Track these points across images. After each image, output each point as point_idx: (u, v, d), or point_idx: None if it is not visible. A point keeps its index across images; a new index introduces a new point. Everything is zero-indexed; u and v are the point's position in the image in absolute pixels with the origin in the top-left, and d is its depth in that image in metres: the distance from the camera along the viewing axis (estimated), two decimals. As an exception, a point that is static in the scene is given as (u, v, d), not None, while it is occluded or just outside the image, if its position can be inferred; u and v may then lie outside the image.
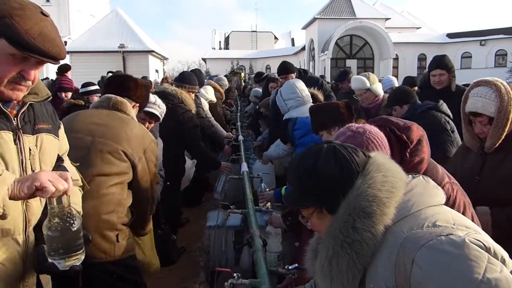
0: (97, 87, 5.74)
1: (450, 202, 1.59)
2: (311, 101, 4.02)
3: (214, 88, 6.64)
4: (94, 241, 2.02)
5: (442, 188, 1.59)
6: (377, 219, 1.07)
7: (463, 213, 1.61)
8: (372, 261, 1.08)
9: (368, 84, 4.18)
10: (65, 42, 38.06)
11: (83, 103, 4.37)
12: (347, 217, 1.09)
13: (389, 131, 1.62)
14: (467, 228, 1.05)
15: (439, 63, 3.85)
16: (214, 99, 6.01)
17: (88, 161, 2.10)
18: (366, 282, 1.10)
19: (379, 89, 4.26)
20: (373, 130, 1.56)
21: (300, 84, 3.83)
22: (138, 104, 2.47)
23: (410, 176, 1.21)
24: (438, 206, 1.14)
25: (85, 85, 5.53)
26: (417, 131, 1.67)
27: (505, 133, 1.98)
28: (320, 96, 4.47)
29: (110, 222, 2.09)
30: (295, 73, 5.09)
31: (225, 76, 11.95)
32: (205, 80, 7.58)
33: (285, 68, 5.11)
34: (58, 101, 5.29)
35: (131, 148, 2.17)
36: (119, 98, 2.31)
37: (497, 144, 2.00)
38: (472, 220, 1.64)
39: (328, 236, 1.13)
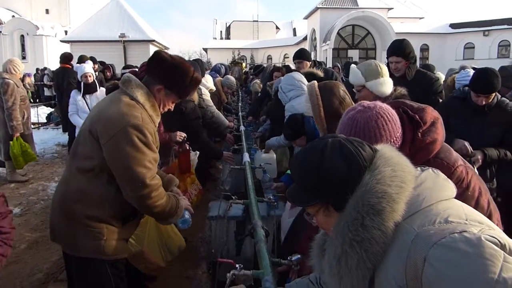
0: (136, 69, 6.02)
1: (464, 186, 1.57)
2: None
3: (217, 90, 6.39)
4: (62, 230, 2.02)
5: (455, 170, 1.57)
6: (387, 216, 1.03)
7: (478, 198, 1.58)
8: (382, 259, 1.04)
9: (362, 80, 2.83)
10: (66, 32, 37.96)
11: None
12: (356, 215, 1.04)
13: (402, 111, 1.61)
14: (480, 223, 1.01)
15: (395, 49, 3.62)
16: (214, 88, 5.97)
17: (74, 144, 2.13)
18: (375, 280, 1.07)
19: (379, 87, 2.80)
20: (384, 106, 1.53)
21: (298, 76, 3.86)
22: (161, 86, 2.09)
23: (419, 169, 1.16)
24: (449, 200, 1.10)
25: (126, 67, 6.41)
26: (432, 113, 1.65)
27: None
28: (320, 74, 4.47)
29: (73, 212, 1.96)
30: (310, 63, 5.08)
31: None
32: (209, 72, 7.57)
33: (301, 54, 5.10)
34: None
35: (98, 128, 1.95)
36: (125, 76, 2.12)
37: None
38: (488, 206, 1.60)
39: (336, 234, 1.08)
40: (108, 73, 9.45)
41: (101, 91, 6.23)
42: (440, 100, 3.74)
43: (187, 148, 3.33)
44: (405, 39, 3.72)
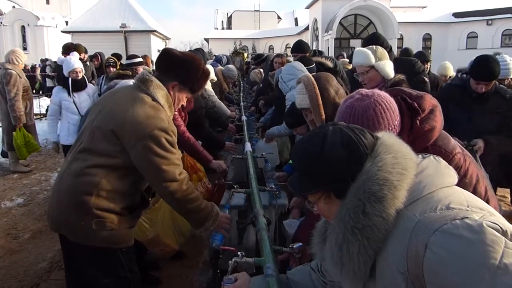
0: (140, 59, 6.18)
1: (462, 173, 1.58)
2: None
3: (218, 80, 6.32)
4: (68, 220, 1.99)
5: (453, 157, 1.58)
6: (388, 203, 1.03)
7: (475, 186, 1.59)
8: (384, 246, 1.05)
9: (373, 60, 3.04)
10: (66, 22, 37.81)
11: (131, 73, 4.52)
12: (357, 202, 1.04)
13: (400, 99, 1.60)
14: (481, 210, 1.01)
15: (368, 42, 3.65)
16: (215, 78, 5.95)
17: (81, 136, 2.08)
18: (377, 267, 1.07)
19: (387, 68, 3.03)
20: (382, 94, 1.53)
21: (298, 65, 3.84)
22: (176, 82, 2.13)
23: (420, 156, 1.16)
24: (450, 187, 1.10)
25: (130, 57, 6.26)
26: (430, 101, 1.65)
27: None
28: (329, 64, 4.40)
29: (83, 203, 1.94)
30: (309, 53, 5.03)
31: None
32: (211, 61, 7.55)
33: (299, 47, 5.05)
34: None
35: (123, 130, 1.94)
36: (145, 75, 2.12)
37: None
38: (486, 193, 1.62)
39: (338, 222, 1.09)
40: (96, 62, 9.39)
41: (90, 88, 5.53)
42: (426, 78, 3.75)
43: (223, 182, 3.30)
44: (376, 32, 3.86)
